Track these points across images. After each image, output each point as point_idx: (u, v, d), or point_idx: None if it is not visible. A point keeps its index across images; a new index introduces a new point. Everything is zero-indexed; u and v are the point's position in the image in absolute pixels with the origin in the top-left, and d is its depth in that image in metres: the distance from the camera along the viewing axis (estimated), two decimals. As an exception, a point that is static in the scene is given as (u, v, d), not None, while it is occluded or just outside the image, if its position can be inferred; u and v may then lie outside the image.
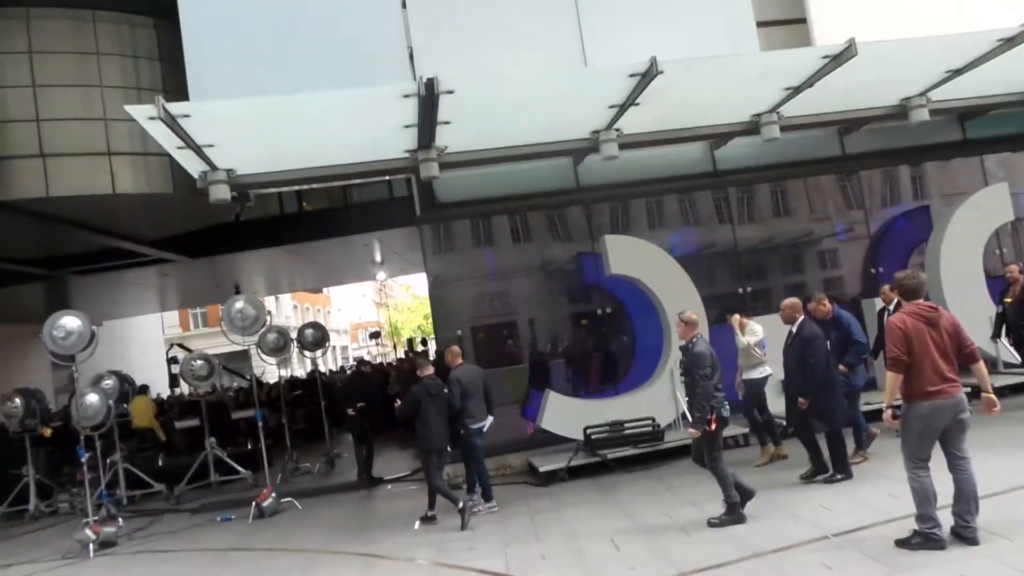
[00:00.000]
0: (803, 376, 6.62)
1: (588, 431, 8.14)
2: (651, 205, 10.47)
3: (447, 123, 7.19)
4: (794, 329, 6.79)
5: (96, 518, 9.05)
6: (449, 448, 7.22)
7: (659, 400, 8.66)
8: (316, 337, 11.70)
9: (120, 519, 8.89)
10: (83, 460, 8.66)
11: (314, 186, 9.35)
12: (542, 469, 8.09)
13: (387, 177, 9.35)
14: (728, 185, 10.18)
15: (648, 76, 6.70)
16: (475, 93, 6.74)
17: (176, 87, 12.32)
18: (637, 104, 7.42)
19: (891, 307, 8.01)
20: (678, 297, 8.60)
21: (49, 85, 11.21)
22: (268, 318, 10.36)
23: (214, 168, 7.57)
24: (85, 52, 11.34)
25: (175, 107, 6.20)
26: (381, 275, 24.70)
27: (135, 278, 18.83)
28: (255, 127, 7.09)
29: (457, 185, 9.57)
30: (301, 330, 11.67)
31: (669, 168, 9.93)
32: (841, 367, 7.01)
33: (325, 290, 50.17)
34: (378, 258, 22.76)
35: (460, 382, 7.23)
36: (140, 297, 24.15)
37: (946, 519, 4.50)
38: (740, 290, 9.97)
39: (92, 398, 9.34)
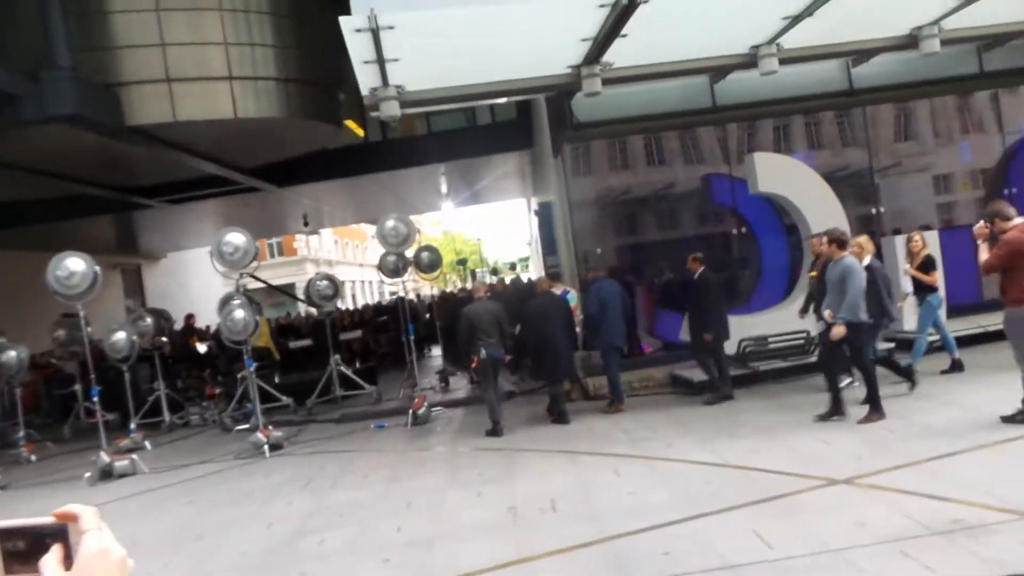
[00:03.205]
0: None
1: (743, 344, 8.38)
2: (784, 126, 10.43)
3: (624, 36, 7.20)
4: None
5: (248, 426, 9.62)
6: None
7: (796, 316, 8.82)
8: (432, 260, 11.95)
9: (270, 426, 9.39)
10: (251, 367, 9.04)
11: (473, 104, 9.40)
12: (697, 380, 8.38)
13: (544, 94, 9.34)
14: (864, 104, 10.10)
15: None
16: (673, 3, 6.72)
17: (292, 10, 12.36)
18: (811, 15, 7.36)
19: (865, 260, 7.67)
20: (825, 216, 8.66)
21: (171, 9, 11.25)
22: (419, 236, 10.62)
23: (386, 84, 7.66)
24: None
25: (383, 19, 6.27)
26: (447, 205, 24.84)
27: (219, 208, 19.17)
28: (431, 42, 7.15)
29: (593, 105, 9.58)
30: (418, 253, 11.90)
31: (803, 87, 9.86)
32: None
33: (360, 226, 50.51)
34: (444, 189, 22.90)
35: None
36: (207, 228, 24.56)
37: None
38: (873, 211, 10.02)
39: (240, 313, 9.69)
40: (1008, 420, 5.59)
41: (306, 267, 40.37)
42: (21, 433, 10.38)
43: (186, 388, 13.46)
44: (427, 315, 19.61)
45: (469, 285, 25.22)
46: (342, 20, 6.28)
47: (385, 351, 17.75)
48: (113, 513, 6.79)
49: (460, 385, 11.92)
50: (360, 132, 16.48)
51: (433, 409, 9.33)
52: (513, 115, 15.81)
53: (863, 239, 7.33)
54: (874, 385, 6.36)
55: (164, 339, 12.05)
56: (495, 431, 7.76)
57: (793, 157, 10.10)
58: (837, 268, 6.42)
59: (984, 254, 5.53)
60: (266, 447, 8.43)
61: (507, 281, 19.32)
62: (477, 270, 29.36)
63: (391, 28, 6.37)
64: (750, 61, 8.20)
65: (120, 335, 10.40)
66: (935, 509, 4.19)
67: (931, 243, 8.79)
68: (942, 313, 7.79)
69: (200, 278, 28.47)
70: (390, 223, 9.50)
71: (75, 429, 11.94)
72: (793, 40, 7.99)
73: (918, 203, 10.80)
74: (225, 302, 11.48)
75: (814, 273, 7.51)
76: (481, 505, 5.49)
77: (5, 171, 11.77)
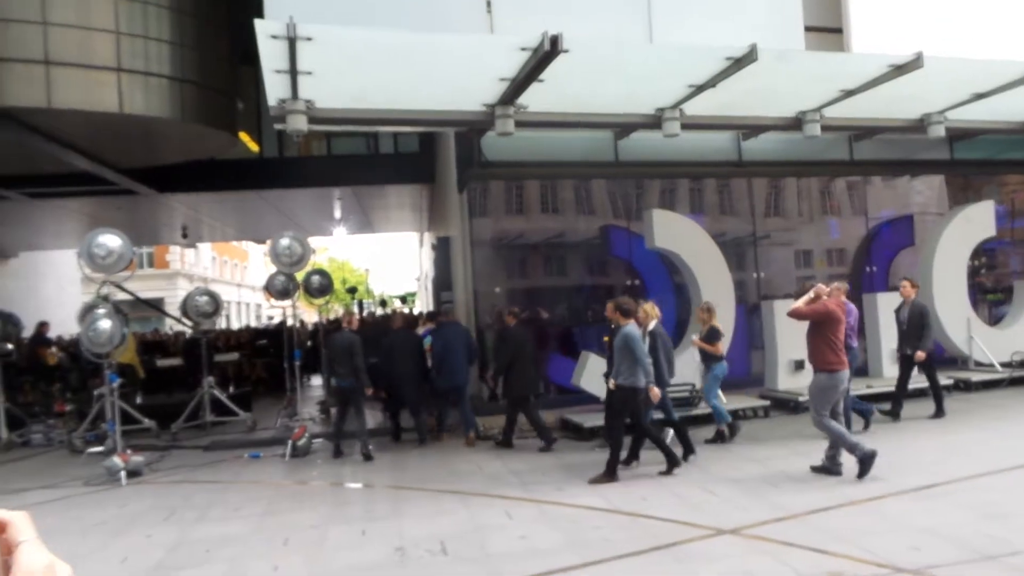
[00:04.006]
0: None
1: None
2: (679, 187, 10.99)
3: (542, 81, 7.36)
4: None
5: (102, 449, 8.77)
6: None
7: (685, 370, 9.17)
8: (323, 284, 11.51)
9: (128, 450, 8.58)
10: (115, 383, 8.25)
11: (383, 129, 9.22)
12: (587, 425, 8.48)
13: (457, 128, 9.28)
14: (750, 176, 10.83)
15: (744, 60, 7.13)
16: (585, 54, 6.93)
17: (194, 9, 11.75)
18: (714, 86, 7.85)
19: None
20: (713, 275, 9.14)
21: (59, -13, 10.40)
22: (313, 256, 10.17)
23: (295, 97, 7.38)
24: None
25: (302, 29, 6.06)
26: (339, 231, 24.15)
27: (87, 208, 17.72)
28: (348, 60, 7.00)
29: (502, 146, 9.70)
30: (308, 276, 11.42)
31: (699, 153, 10.47)
32: None
33: (243, 244, 48.34)
34: (338, 214, 22.36)
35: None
36: (69, 230, 22.62)
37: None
38: (754, 275, 10.68)
39: (105, 324, 8.87)
40: (817, 470, 6.33)
41: (178, 282, 37.95)
42: None
43: (30, 403, 12.10)
44: (309, 342, 18.83)
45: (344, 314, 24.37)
46: (258, 24, 6.01)
47: (261, 376, 16.84)
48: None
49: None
50: (254, 147, 15.83)
51: (314, 440, 8.86)
52: (415, 147, 15.75)
53: (648, 305, 7.59)
54: (616, 452, 6.65)
55: (10, 347, 10.80)
56: (336, 452, 8.37)
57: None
58: (620, 335, 6.75)
59: (799, 304, 6.49)
60: (123, 473, 7.66)
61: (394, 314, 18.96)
62: (364, 301, 28.59)
63: (309, 39, 6.18)
64: (655, 122, 8.61)
65: (-45, 339, 9.22)
66: (815, 561, 4.38)
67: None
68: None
69: (54, 283, 26.03)
70: (285, 241, 9.10)
71: None
72: (695, 108, 8.49)
73: (790, 273, 11.62)
74: (88, 310, 10.48)
75: (607, 338, 7.73)
76: (365, 544, 5.20)
77: None
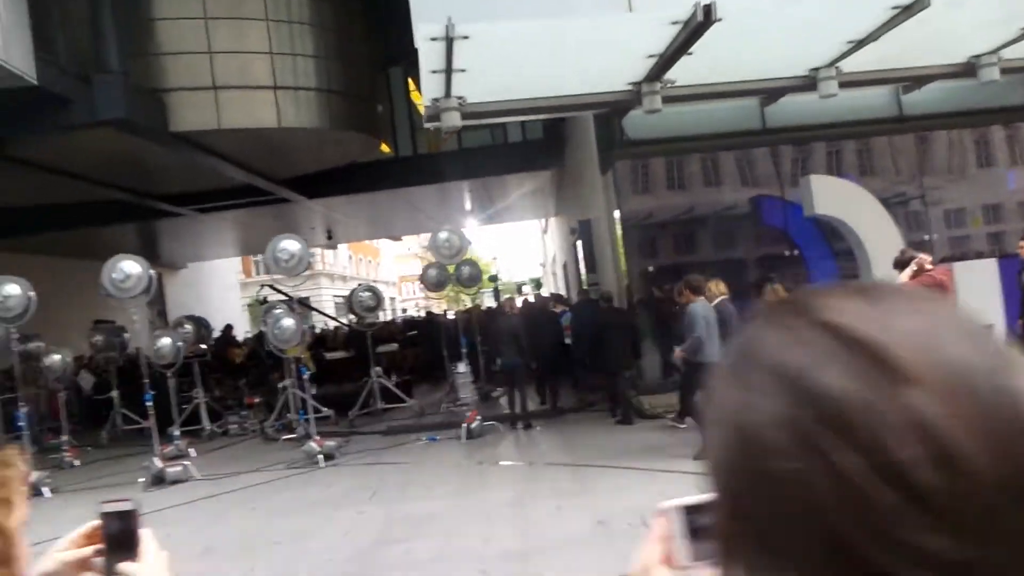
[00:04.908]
0: None
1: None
2: (834, 150, 10.50)
3: (691, 54, 7.26)
4: None
5: (295, 435, 9.57)
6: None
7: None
8: (472, 274, 11.92)
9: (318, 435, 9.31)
10: (305, 375, 9.03)
11: (528, 118, 9.45)
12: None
13: (602, 110, 9.32)
14: (914, 131, 10.16)
15: (915, 7, 6.70)
16: (739, 22, 6.77)
17: (335, 24, 12.47)
18: (876, 39, 7.42)
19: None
20: (882, 239, 8.68)
21: (219, 18, 11.35)
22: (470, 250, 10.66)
23: (447, 95, 7.70)
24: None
25: (460, 28, 6.31)
26: (470, 222, 24.89)
27: (240, 218, 19.14)
28: (495, 54, 7.19)
29: (641, 123, 9.64)
30: (459, 267, 11.89)
31: (852, 112, 9.92)
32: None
33: (374, 242, 50.63)
34: (468, 206, 22.95)
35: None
36: (228, 239, 24.56)
37: None
38: (926, 237, 10.05)
39: (288, 321, 9.68)
40: None
41: (321, 281, 40.33)
42: (64, 438, 10.29)
43: (222, 397, 13.40)
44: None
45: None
46: (417, 27, 6.30)
47: (413, 365, 17.67)
48: (179, 519, 6.70)
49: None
50: (387, 148, 16.51)
51: (486, 423, 9.26)
52: (540, 134, 15.87)
53: (712, 283, 7.46)
54: None
55: (204, 347, 12.01)
56: (527, 425, 9.15)
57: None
58: (686, 312, 7.05)
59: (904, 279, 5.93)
60: (320, 456, 8.37)
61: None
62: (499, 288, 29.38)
63: (466, 38, 6.41)
64: (809, 84, 8.26)
65: (166, 341, 10.36)
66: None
67: (989, 272, 8.60)
68: None
69: (217, 289, 28.47)
70: (443, 235, 9.55)
71: (111, 435, 11.87)
72: (851, 64, 8.07)
73: (965, 232, 10.82)
74: (268, 311, 11.47)
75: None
76: (565, 519, 5.43)
77: (44, 174, 11.75)
